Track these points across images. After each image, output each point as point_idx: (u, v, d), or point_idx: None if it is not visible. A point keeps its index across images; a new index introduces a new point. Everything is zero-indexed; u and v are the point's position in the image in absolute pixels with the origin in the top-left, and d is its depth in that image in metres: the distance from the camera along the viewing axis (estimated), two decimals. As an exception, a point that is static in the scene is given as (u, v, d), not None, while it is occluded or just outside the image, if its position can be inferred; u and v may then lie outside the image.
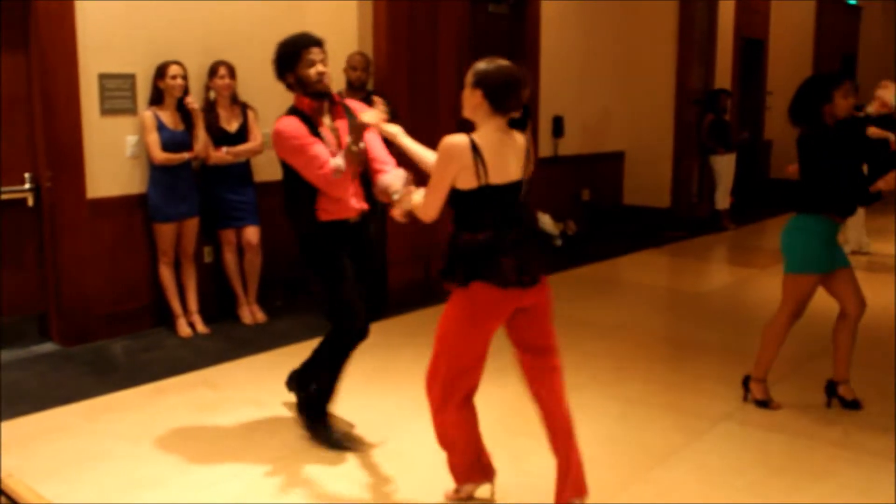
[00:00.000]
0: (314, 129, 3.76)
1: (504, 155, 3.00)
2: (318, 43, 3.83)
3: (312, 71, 3.76)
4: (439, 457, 3.30)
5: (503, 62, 3.04)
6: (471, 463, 3.26)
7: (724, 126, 9.77)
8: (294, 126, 3.73)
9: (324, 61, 3.82)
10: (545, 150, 8.74)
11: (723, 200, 9.84)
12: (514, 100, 3.01)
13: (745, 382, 4.42)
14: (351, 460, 3.72)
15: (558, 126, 8.83)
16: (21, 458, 3.65)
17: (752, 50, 11.78)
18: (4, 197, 5.10)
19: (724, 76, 10.71)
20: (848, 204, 4.25)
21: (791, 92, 4.47)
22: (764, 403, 4.32)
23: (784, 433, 4.03)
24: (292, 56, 3.79)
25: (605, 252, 8.42)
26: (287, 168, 3.81)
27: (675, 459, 3.74)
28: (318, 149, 3.68)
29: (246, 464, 3.66)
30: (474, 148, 2.93)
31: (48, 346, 5.27)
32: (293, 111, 3.82)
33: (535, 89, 8.26)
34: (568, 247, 8.62)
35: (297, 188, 3.78)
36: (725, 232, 9.75)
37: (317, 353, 4.02)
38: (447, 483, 3.35)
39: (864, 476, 3.57)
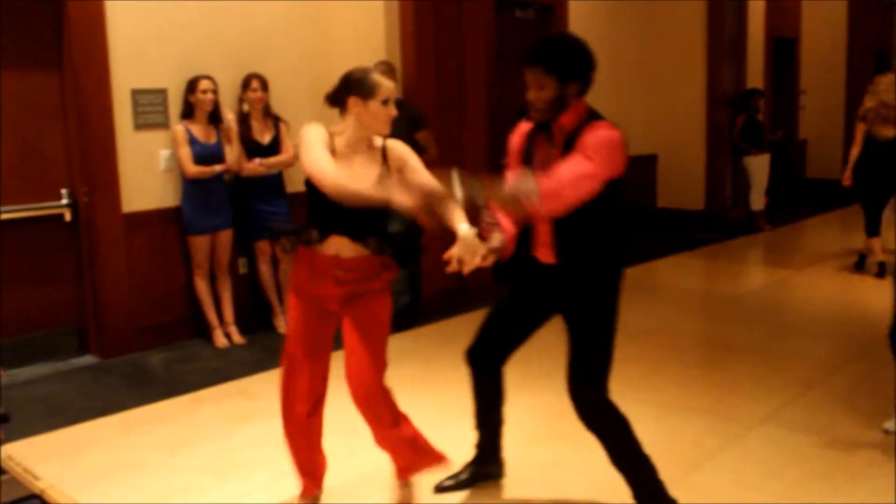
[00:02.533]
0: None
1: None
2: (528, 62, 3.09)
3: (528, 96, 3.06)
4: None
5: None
6: None
7: (757, 126, 9.68)
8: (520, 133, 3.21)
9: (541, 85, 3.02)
10: (576, 154, 8.70)
11: (757, 201, 9.74)
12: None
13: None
14: (386, 470, 3.72)
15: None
16: (60, 469, 3.70)
17: (783, 49, 11.67)
18: (42, 213, 5.19)
19: (755, 76, 10.62)
20: None
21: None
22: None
23: (822, 436, 3.98)
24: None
25: (639, 256, 8.35)
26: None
27: (710, 464, 3.70)
28: None
29: (280, 475, 3.68)
30: None
31: (87, 359, 5.35)
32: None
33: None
34: (601, 251, 8.57)
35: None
36: (761, 233, 9.64)
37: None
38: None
39: (904, 479, 3.52)
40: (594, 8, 8.78)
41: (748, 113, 9.65)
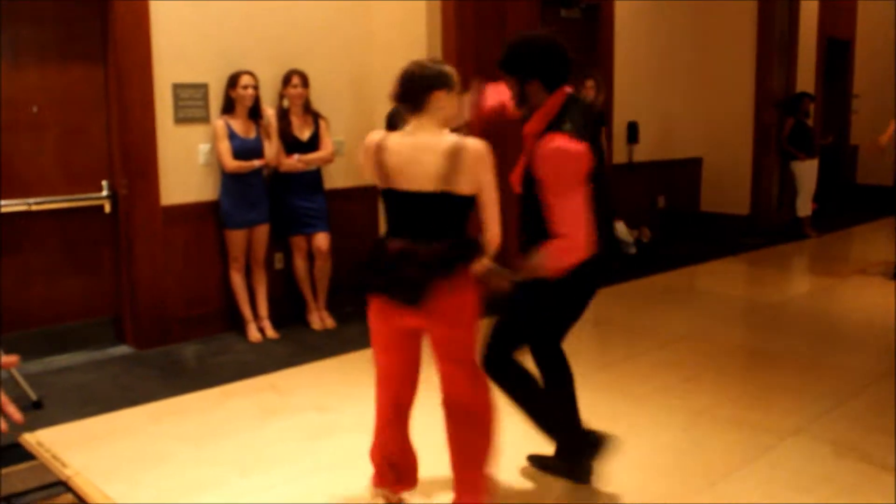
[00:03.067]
0: None
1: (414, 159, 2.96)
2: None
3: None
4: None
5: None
6: None
7: (806, 131, 9.49)
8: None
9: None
10: (619, 156, 8.63)
11: (804, 207, 9.55)
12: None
13: None
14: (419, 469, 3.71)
15: (633, 132, 8.71)
16: (87, 457, 3.75)
17: (837, 51, 11.43)
18: (83, 204, 5.27)
19: (806, 78, 10.41)
20: None
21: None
22: None
23: (855, 451, 3.88)
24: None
25: (681, 260, 8.25)
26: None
27: (739, 474, 3.63)
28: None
29: (305, 469, 3.70)
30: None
31: (122, 349, 5.43)
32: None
33: (609, 95, 8.17)
34: (642, 255, 8.50)
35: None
36: (807, 240, 9.46)
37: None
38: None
39: (939, 497, 3.42)
40: (641, 7, 8.69)
41: (797, 117, 9.47)
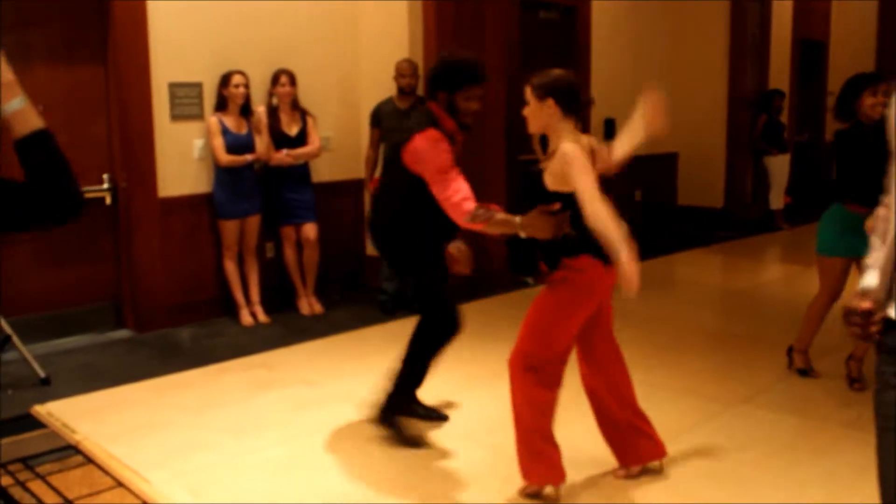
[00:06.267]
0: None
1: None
2: (486, 80, 3.79)
3: (474, 106, 3.73)
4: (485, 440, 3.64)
5: (557, 70, 3.29)
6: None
7: (777, 127, 9.88)
8: (444, 145, 3.63)
9: (482, 99, 3.80)
10: (597, 151, 8.97)
11: (776, 201, 9.94)
12: (578, 102, 3.28)
13: (789, 352, 4.81)
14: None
15: (610, 129, 9.06)
16: (95, 425, 4.11)
17: (811, 51, 11.80)
18: (85, 196, 5.59)
19: (781, 77, 10.79)
20: (868, 195, 4.45)
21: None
22: (804, 372, 4.75)
23: (797, 416, 4.25)
24: (461, 81, 3.69)
25: (656, 250, 8.62)
26: (407, 179, 3.70)
27: (685, 436, 3.99)
28: (462, 182, 3.57)
29: (292, 433, 4.06)
30: None
31: (123, 333, 5.78)
32: (435, 125, 3.69)
33: (586, 93, 8.51)
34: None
35: (419, 199, 3.67)
36: (780, 232, 9.84)
37: (414, 351, 4.01)
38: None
39: (869, 454, 3.75)
40: (617, 8, 9.05)
41: (769, 113, 9.85)
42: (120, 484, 3.55)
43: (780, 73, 10.80)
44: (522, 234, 3.28)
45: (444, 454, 3.82)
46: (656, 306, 6.53)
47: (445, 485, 3.57)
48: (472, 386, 4.65)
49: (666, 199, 10.15)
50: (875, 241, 2.15)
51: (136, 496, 3.45)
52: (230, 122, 5.86)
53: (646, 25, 9.48)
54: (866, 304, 2.03)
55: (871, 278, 2.09)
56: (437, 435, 4.03)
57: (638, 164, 9.43)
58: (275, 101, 6.14)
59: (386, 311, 6.24)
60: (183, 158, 5.90)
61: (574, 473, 3.47)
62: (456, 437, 3.99)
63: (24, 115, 1.88)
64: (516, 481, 3.42)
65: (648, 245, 8.76)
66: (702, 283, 7.65)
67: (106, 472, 3.65)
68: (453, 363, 4.85)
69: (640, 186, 9.71)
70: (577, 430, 3.74)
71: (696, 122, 9.99)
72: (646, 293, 6.99)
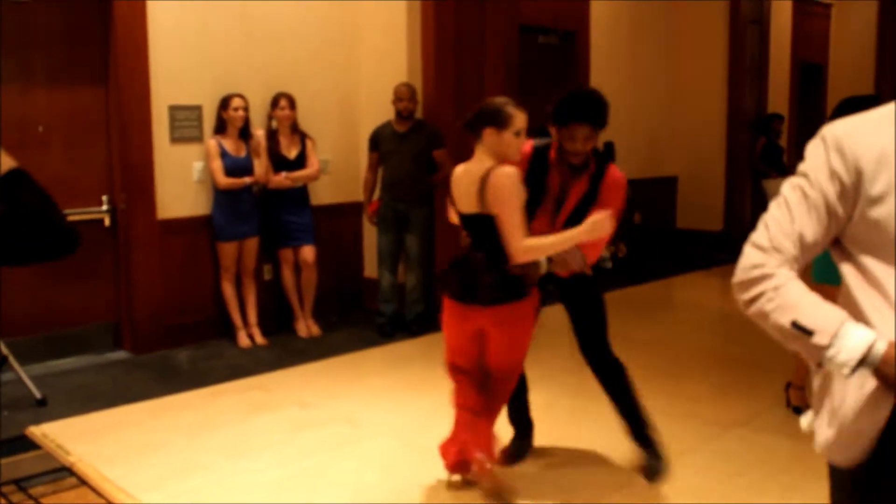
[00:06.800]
0: (542, 173, 3.67)
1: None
2: (586, 119, 3.55)
3: (570, 144, 3.55)
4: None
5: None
6: None
7: (776, 150, 9.92)
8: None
9: (588, 138, 3.58)
10: (596, 174, 9.00)
11: (776, 224, 9.92)
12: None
13: (787, 388, 4.71)
14: (389, 455, 4.06)
15: (609, 151, 9.10)
16: (91, 446, 4.11)
17: (810, 74, 11.87)
18: (84, 217, 5.63)
19: (780, 100, 10.84)
20: None
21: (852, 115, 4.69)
22: (798, 410, 4.57)
23: (794, 440, 4.23)
24: (559, 118, 3.56)
25: (655, 274, 8.64)
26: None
27: (682, 459, 3.98)
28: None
29: (287, 455, 4.05)
30: None
31: (120, 354, 5.78)
32: (539, 148, 3.67)
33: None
34: (618, 269, 8.87)
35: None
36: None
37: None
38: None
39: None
40: (617, 32, 9.11)
41: (768, 136, 9.89)
42: (113, 506, 3.55)
43: (779, 96, 10.85)
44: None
45: (440, 473, 3.81)
46: (655, 329, 6.54)
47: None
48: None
49: (665, 222, 10.17)
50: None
51: (130, 518, 3.44)
52: (229, 144, 5.89)
53: (645, 48, 9.54)
54: None
55: None
56: (433, 455, 4.02)
57: (637, 188, 9.57)
58: (274, 124, 6.17)
59: (383, 334, 6.25)
60: (182, 181, 5.93)
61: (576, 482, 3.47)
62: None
63: None
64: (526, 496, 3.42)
65: (648, 268, 8.85)
66: (701, 306, 7.65)
67: (99, 495, 3.65)
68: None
69: (640, 209, 9.73)
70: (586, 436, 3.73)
71: (695, 145, 10.04)
72: (643, 317, 7.07)
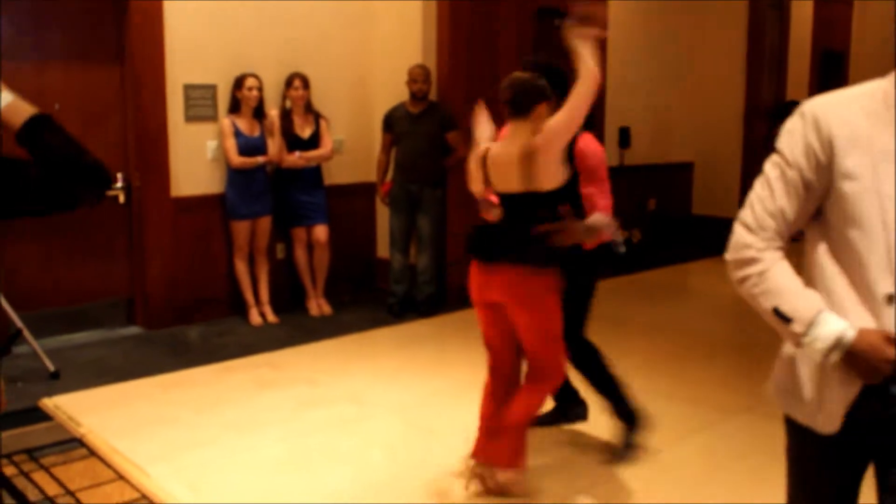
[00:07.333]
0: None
1: None
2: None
3: None
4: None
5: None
6: None
7: (794, 138, 9.83)
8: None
9: None
10: (611, 160, 8.97)
11: (792, 211, 9.87)
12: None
13: None
14: (394, 435, 4.11)
15: (625, 137, 9.08)
16: (101, 418, 4.18)
17: (831, 62, 11.75)
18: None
19: (799, 88, 10.74)
20: None
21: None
22: None
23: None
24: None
25: (669, 259, 8.63)
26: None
27: (683, 442, 4.02)
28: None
29: (293, 432, 4.11)
30: None
31: (133, 329, 5.85)
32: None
33: (602, 100, 8.54)
34: (631, 254, 8.85)
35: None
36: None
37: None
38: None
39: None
40: (634, 16, 9.05)
41: (786, 124, 9.81)
42: (121, 477, 3.61)
43: (798, 84, 10.75)
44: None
45: (445, 454, 3.85)
46: (665, 315, 6.55)
47: (443, 485, 3.60)
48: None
49: (681, 209, 10.13)
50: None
51: (136, 489, 3.51)
52: (243, 124, 5.92)
53: (662, 33, 9.47)
54: None
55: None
56: (438, 436, 4.06)
57: (653, 174, 9.57)
58: (288, 103, 6.20)
59: (394, 314, 6.29)
60: (196, 159, 5.98)
61: (573, 472, 3.50)
62: (457, 437, 4.02)
63: (15, 107, 1.83)
64: (531, 480, 3.47)
65: (662, 254, 8.84)
66: (713, 293, 7.63)
67: (108, 465, 3.72)
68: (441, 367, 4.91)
69: (655, 196, 9.71)
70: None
71: (712, 132, 9.98)
72: (655, 302, 7.08)
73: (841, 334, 1.78)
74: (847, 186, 1.81)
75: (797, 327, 1.82)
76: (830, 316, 1.80)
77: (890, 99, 1.83)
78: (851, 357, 1.77)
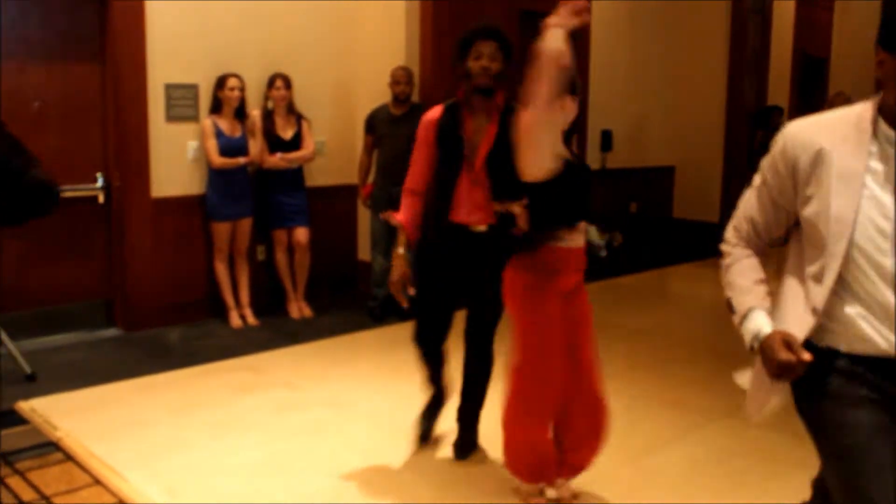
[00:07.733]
0: (455, 126, 3.58)
1: None
2: (490, 35, 3.51)
3: (475, 64, 3.50)
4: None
5: None
6: None
7: (774, 142, 9.89)
8: (426, 121, 3.68)
9: (493, 56, 3.51)
10: (593, 163, 9.00)
11: (773, 216, 9.92)
12: None
13: None
14: (372, 439, 4.08)
15: (607, 140, 9.09)
16: (79, 422, 4.13)
17: (812, 67, 11.83)
18: (79, 194, 5.64)
19: (781, 93, 10.82)
20: None
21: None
22: None
23: (777, 431, 4.24)
24: (463, 46, 3.55)
25: (650, 263, 8.65)
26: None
27: (665, 447, 4.01)
28: (416, 158, 3.72)
29: (272, 436, 4.07)
30: None
31: (112, 331, 5.79)
32: (449, 104, 3.65)
33: (584, 103, 8.54)
34: (612, 258, 8.87)
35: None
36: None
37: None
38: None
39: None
40: (616, 19, 9.07)
41: (767, 129, 9.86)
42: (98, 481, 3.57)
43: (779, 88, 10.82)
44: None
45: (423, 459, 3.83)
46: (646, 318, 6.56)
47: (425, 488, 3.58)
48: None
49: (662, 212, 10.16)
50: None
51: (114, 494, 3.46)
52: (224, 124, 5.88)
53: (644, 37, 9.50)
54: (807, 357, 1.95)
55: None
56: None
57: (633, 177, 9.59)
58: (270, 104, 6.16)
59: (375, 318, 6.26)
60: (177, 159, 5.93)
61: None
62: (434, 442, 4.00)
63: None
64: (504, 484, 3.44)
65: (643, 258, 8.85)
66: (694, 297, 7.66)
67: (84, 470, 3.67)
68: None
69: (636, 199, 9.73)
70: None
71: (693, 136, 10.02)
72: (637, 306, 7.08)
73: (758, 331, 2.05)
74: (807, 211, 1.98)
75: (736, 318, 2.13)
76: (759, 314, 2.07)
77: (864, 123, 1.92)
78: (762, 352, 2.03)
